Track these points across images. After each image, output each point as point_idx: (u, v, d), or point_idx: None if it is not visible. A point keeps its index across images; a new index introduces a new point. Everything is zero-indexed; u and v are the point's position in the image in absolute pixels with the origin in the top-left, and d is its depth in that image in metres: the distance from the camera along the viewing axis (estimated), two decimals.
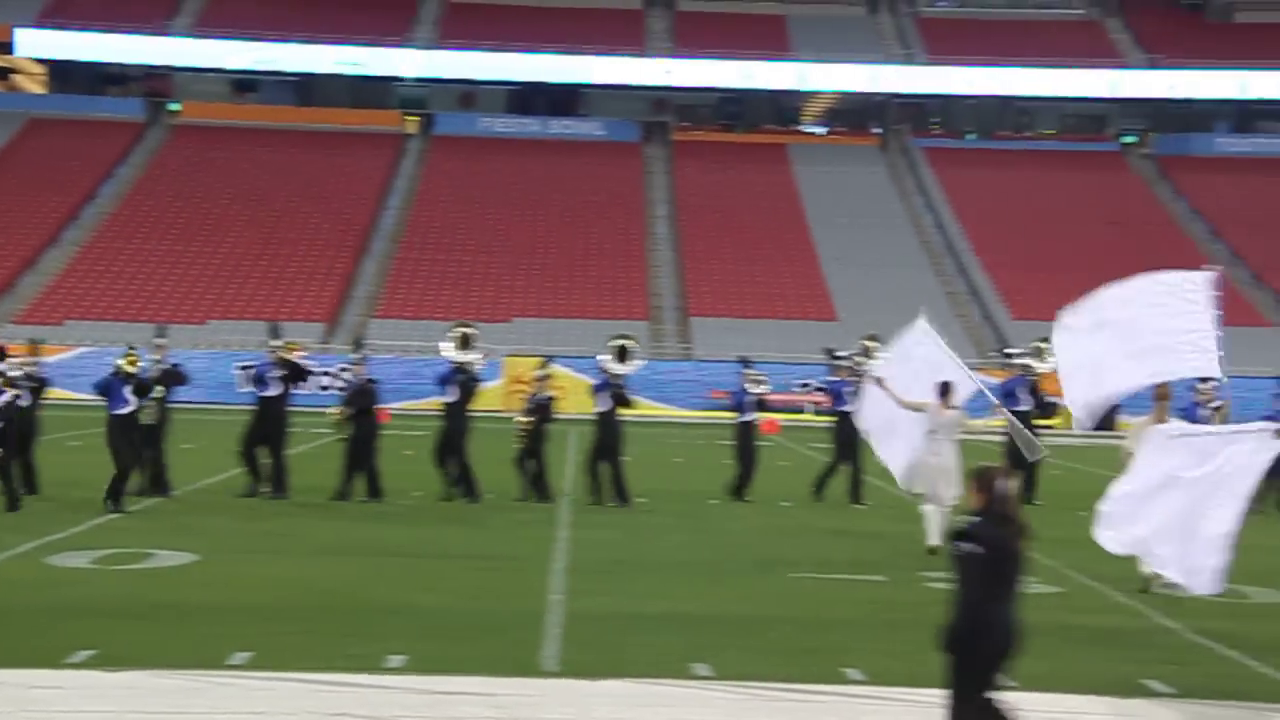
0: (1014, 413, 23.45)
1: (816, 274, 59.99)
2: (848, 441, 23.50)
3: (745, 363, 24.89)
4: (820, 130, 75.51)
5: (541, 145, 70.61)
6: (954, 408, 18.47)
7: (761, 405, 24.10)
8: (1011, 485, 8.22)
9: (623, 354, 22.94)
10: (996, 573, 8.01)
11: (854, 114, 74.82)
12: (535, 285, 57.83)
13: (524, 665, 11.29)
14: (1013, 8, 77.15)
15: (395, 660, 11.34)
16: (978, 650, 8.05)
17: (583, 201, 64.84)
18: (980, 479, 8.22)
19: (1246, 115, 73.19)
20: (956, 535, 8.13)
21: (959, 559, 8.06)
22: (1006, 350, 26.19)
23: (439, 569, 16.05)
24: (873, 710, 10.31)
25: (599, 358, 23.42)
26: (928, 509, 18.11)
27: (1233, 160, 70.44)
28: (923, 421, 18.43)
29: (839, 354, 25.32)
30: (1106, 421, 50.93)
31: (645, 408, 48.81)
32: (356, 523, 19.77)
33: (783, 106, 75.16)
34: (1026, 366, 24.74)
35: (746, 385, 23.85)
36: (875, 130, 73.76)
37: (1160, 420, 16.31)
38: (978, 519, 8.12)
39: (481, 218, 63.13)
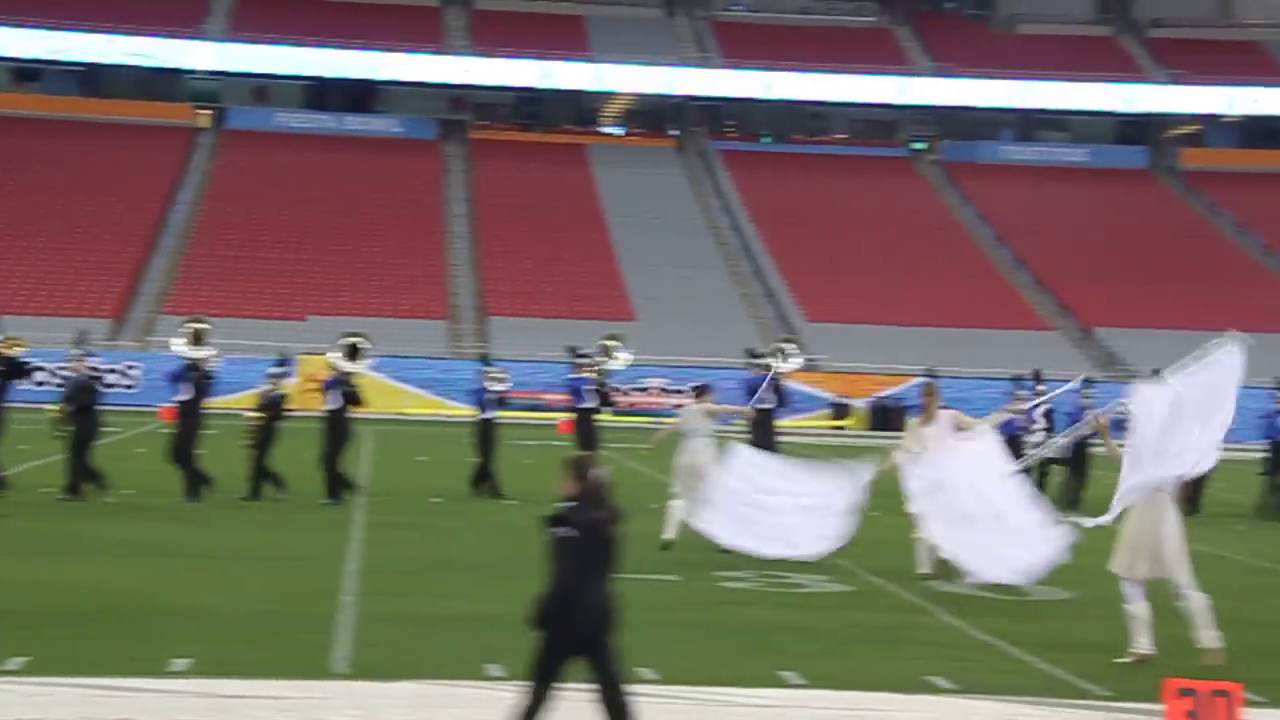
0: (758, 410, 24.24)
1: (615, 274, 60.22)
2: (588, 436, 24.25)
3: (485, 360, 25.17)
4: (618, 131, 75.84)
5: (337, 141, 69.78)
6: (705, 406, 18.87)
7: (502, 403, 24.45)
8: (605, 472, 8.64)
9: (354, 352, 22.97)
10: (591, 555, 8.47)
11: (651, 115, 75.27)
12: (331, 283, 57.10)
13: (314, 667, 11.12)
14: (806, 14, 78.30)
15: (180, 664, 11.08)
16: (571, 629, 8.44)
17: (380, 199, 64.20)
18: (576, 467, 8.64)
19: (1029, 124, 75.27)
20: (552, 520, 8.53)
21: (555, 542, 8.48)
22: (751, 350, 26.83)
23: (227, 570, 15.74)
24: (664, 708, 10.35)
25: (329, 355, 23.34)
26: (675, 504, 18.41)
27: (1016, 168, 72.41)
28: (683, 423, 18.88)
29: (581, 352, 25.79)
30: (895, 422, 52.00)
31: (442, 407, 48.58)
32: (140, 523, 19.30)
33: (581, 107, 75.32)
34: (768, 365, 25.38)
35: (486, 383, 24.22)
36: (672, 132, 74.30)
37: (929, 418, 16.95)
38: (573, 504, 8.53)
39: (276, 214, 62.17)
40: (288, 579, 15.20)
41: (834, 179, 69.28)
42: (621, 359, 26.30)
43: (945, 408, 17.19)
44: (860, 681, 11.28)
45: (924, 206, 68.26)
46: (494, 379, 24.40)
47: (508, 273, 59.28)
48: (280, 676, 10.77)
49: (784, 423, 27.03)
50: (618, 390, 25.51)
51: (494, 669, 11.23)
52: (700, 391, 19.10)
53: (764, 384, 24.70)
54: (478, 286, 59.23)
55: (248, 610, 13.38)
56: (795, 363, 26.00)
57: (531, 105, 74.28)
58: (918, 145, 74.46)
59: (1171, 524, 12.32)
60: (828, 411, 49.51)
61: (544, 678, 8.56)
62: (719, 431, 19.13)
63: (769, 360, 25.56)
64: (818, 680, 11.30)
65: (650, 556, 17.73)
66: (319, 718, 9.85)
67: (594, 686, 8.62)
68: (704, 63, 73.25)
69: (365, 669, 11.09)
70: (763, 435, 24.66)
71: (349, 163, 66.99)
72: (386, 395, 46.28)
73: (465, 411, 38.40)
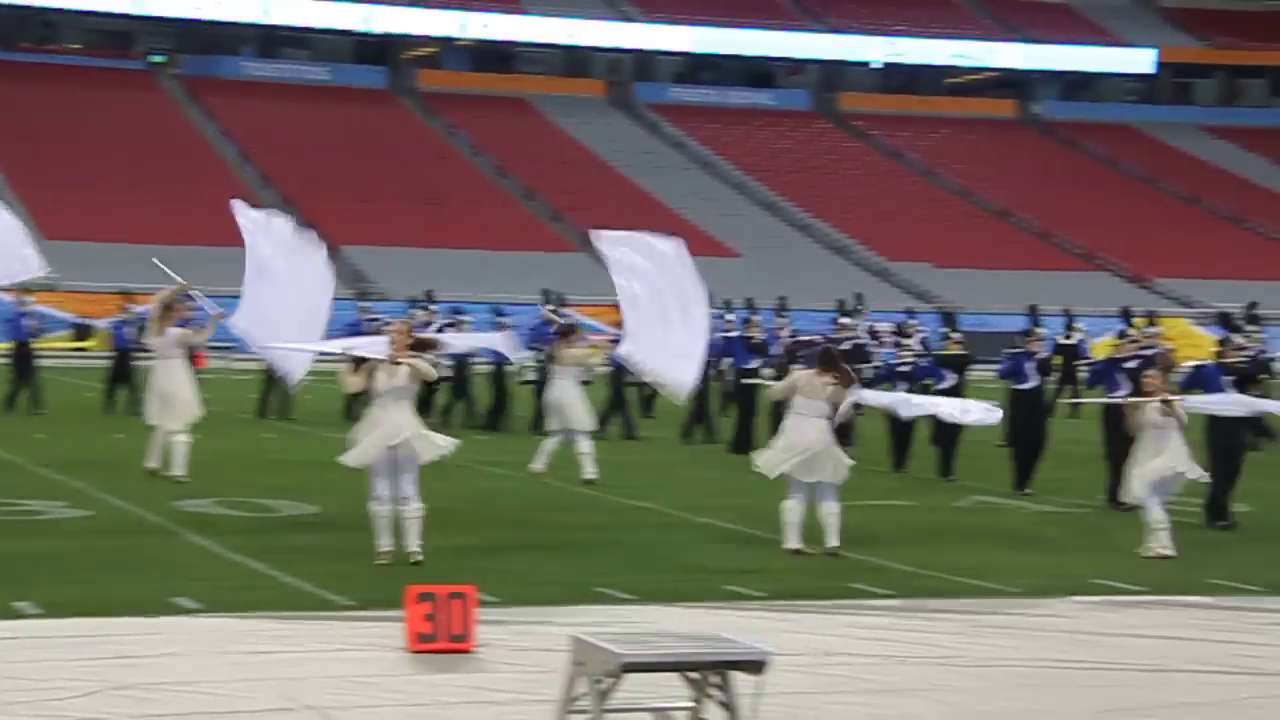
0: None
1: None
2: None
3: None
4: None
5: None
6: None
7: None
8: None
9: None
10: None
11: None
12: None
13: None
14: None
15: None
16: None
17: None
18: None
19: (270, 40, 74.86)
20: None
21: None
22: None
23: None
24: None
25: None
26: None
27: (259, 84, 71.92)
28: None
29: None
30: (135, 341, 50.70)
31: None
32: None
33: None
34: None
35: None
36: None
37: (160, 330, 18.14)
38: None
39: None
40: None
41: (68, 91, 66.20)
42: None
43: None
44: (101, 607, 10.90)
45: (165, 122, 66.63)
46: None
47: None
48: None
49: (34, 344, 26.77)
50: None
51: None
52: None
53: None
54: None
55: None
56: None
57: None
58: (156, 59, 72.43)
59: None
60: (69, 333, 47.74)
61: None
62: None
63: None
64: (54, 608, 10.85)
65: None
66: None
67: None
68: None
69: None
70: (25, 362, 24.15)
71: None
72: None
73: None
